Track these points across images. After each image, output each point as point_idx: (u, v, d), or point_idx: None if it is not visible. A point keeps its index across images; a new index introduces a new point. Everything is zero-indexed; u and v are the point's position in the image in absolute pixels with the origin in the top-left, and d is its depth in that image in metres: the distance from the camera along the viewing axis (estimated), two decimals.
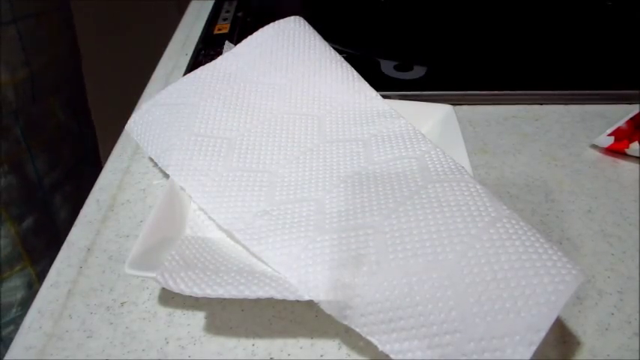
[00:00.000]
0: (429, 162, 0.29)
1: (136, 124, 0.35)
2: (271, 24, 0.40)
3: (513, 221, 0.24)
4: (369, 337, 0.22)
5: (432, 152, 0.31)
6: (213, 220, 0.29)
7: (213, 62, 0.38)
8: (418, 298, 0.22)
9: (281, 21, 0.41)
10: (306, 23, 0.42)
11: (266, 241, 0.26)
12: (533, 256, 0.22)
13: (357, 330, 0.23)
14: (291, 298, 0.23)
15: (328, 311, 0.23)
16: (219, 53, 0.42)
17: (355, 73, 0.39)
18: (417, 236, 0.24)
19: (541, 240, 0.23)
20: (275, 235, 0.26)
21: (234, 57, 0.39)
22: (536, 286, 0.21)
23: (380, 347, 0.22)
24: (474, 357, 0.20)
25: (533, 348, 0.19)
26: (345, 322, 0.23)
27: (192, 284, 0.23)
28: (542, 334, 0.19)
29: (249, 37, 0.39)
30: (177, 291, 0.23)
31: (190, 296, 0.27)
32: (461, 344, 0.20)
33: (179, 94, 0.36)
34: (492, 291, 0.21)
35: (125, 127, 0.36)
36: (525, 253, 0.22)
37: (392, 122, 0.34)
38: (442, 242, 0.23)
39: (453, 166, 0.29)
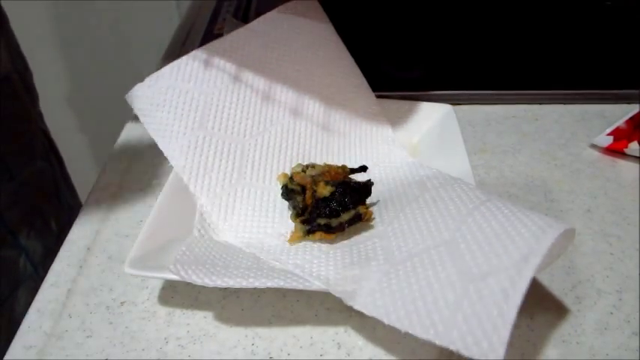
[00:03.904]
0: (427, 180, 0.31)
1: (139, 97, 0.33)
2: (286, 4, 0.40)
3: (503, 200, 0.26)
4: (374, 316, 0.23)
5: (430, 173, 0.32)
6: (225, 237, 0.30)
7: (225, 39, 0.36)
8: (420, 269, 0.24)
9: (297, 2, 0.40)
10: (320, 7, 0.41)
11: (280, 255, 0.28)
12: (520, 216, 0.24)
13: (364, 311, 0.23)
14: (300, 287, 0.24)
15: (337, 294, 0.24)
16: None
17: (358, 71, 0.39)
18: (416, 231, 0.26)
19: (527, 212, 0.25)
20: (289, 251, 0.28)
21: (246, 35, 0.37)
22: (525, 233, 0.23)
23: (386, 321, 0.22)
24: (474, 296, 0.21)
25: (528, 274, 0.21)
26: (351, 304, 0.23)
27: (203, 275, 0.24)
28: (537, 261, 0.21)
29: (265, 16, 0.38)
30: (189, 281, 0.24)
31: (189, 296, 0.27)
32: (462, 287, 0.22)
33: (190, 74, 0.34)
34: (486, 246, 0.23)
35: (126, 97, 0.33)
36: (514, 215, 0.24)
37: (392, 153, 0.36)
38: (438, 227, 0.26)
39: (448, 177, 0.30)
